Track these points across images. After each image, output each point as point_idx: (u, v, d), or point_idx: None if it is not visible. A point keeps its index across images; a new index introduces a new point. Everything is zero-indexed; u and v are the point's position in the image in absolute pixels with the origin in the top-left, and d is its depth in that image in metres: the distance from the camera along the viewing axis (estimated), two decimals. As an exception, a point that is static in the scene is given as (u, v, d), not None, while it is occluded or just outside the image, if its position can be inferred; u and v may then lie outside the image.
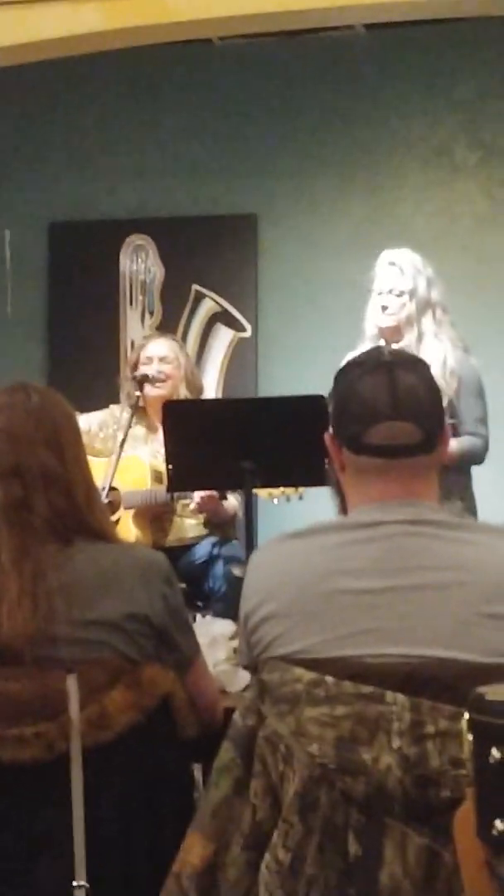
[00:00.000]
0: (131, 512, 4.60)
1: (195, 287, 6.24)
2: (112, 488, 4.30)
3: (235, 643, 2.93)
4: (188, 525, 4.78)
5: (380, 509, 2.10)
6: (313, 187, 6.16)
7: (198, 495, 4.47)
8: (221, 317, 6.23)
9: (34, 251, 6.41)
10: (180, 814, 2.24)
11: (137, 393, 4.60)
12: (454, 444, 4.34)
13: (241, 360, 6.20)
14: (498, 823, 1.49)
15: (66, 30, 4.90)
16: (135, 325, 6.31)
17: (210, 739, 2.28)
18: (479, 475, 4.73)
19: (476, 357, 4.93)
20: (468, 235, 5.96)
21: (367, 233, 6.03)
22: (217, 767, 2.07)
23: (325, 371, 4.36)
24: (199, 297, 6.24)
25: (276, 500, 4.22)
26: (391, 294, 4.60)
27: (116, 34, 4.94)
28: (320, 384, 4.28)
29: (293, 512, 4.72)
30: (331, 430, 2.19)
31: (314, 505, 4.62)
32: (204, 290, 6.23)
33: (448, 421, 4.42)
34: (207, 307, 6.24)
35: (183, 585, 2.56)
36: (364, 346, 4.72)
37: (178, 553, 4.51)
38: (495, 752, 1.50)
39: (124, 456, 4.33)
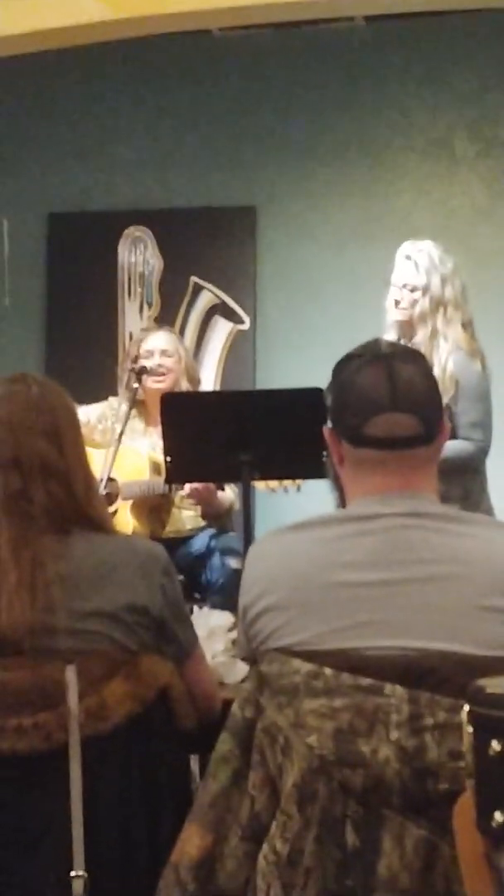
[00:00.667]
0: (129, 503, 4.60)
1: (193, 279, 6.23)
2: (110, 479, 4.30)
3: (233, 635, 2.93)
4: (186, 517, 4.78)
5: (379, 502, 2.10)
6: (312, 180, 6.15)
7: (191, 486, 4.47)
8: (220, 309, 6.22)
9: (33, 241, 6.40)
10: (178, 805, 2.25)
11: (136, 385, 4.60)
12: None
13: (240, 352, 6.20)
14: (497, 815, 1.50)
15: (68, 20, 4.89)
16: (133, 316, 6.30)
17: (208, 731, 2.29)
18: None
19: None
20: (467, 228, 5.95)
21: (366, 225, 6.03)
22: (215, 759, 2.08)
23: (324, 364, 4.38)
24: (198, 290, 6.23)
25: (274, 491, 4.23)
26: (404, 289, 4.57)
27: (118, 24, 4.93)
28: (319, 377, 4.30)
29: (291, 504, 4.73)
30: (329, 422, 2.19)
31: (312, 497, 4.64)
32: (202, 283, 6.23)
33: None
34: (206, 299, 6.23)
35: (180, 577, 2.56)
36: (388, 337, 4.70)
37: (176, 545, 4.51)
38: (495, 745, 1.50)
39: (122, 448, 4.33)
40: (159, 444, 4.21)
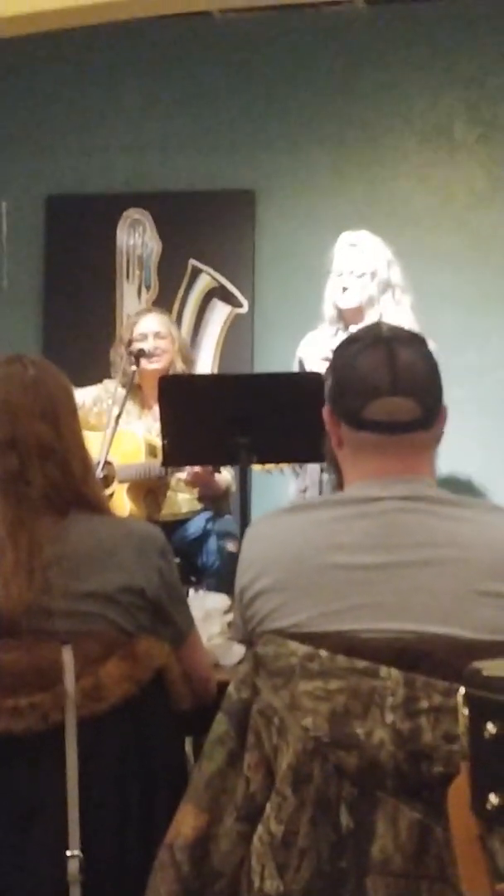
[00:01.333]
0: (125, 486, 4.61)
1: (192, 262, 6.22)
2: (107, 462, 4.30)
3: (229, 617, 2.94)
4: (182, 500, 4.79)
5: (377, 485, 2.10)
6: (312, 164, 6.14)
7: (190, 468, 4.47)
8: (218, 292, 6.21)
9: (31, 224, 6.39)
10: (173, 785, 2.25)
11: (133, 368, 4.60)
12: None
13: (238, 335, 6.19)
14: (492, 798, 1.50)
15: (67, 1, 4.87)
16: (131, 299, 6.29)
17: (203, 712, 2.29)
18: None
19: (474, 334, 4.93)
20: (466, 213, 5.94)
21: (365, 209, 6.02)
22: (211, 740, 2.08)
23: (322, 347, 4.38)
24: (196, 273, 6.22)
25: (270, 472, 4.24)
26: (352, 275, 4.60)
27: (117, 6, 4.92)
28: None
29: (288, 487, 4.74)
30: (328, 405, 2.19)
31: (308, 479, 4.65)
32: (201, 266, 6.22)
33: None
34: (204, 283, 6.22)
35: (176, 560, 2.56)
36: (323, 329, 4.75)
37: (172, 527, 4.52)
38: (490, 727, 1.51)
39: (118, 430, 4.33)
40: (155, 426, 4.22)
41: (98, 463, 3.96)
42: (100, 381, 4.89)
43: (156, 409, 3.75)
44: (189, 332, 6.05)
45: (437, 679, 1.93)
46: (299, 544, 2.10)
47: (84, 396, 4.66)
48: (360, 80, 6.11)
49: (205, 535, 4.69)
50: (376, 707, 1.93)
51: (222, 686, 2.29)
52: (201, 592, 3.22)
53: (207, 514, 4.74)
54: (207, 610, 2.97)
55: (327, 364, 3.70)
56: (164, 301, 6.07)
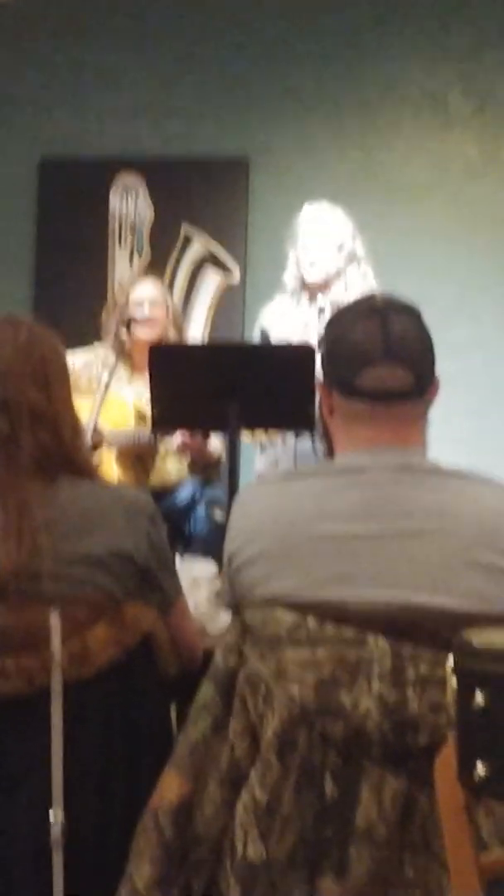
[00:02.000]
0: (114, 452, 4.60)
1: (185, 229, 6.20)
2: (95, 428, 4.29)
3: (217, 584, 2.94)
4: (171, 467, 4.78)
5: (368, 454, 2.10)
6: (306, 132, 6.12)
7: (180, 434, 4.47)
8: (210, 260, 6.19)
9: (23, 187, 6.36)
10: (158, 751, 2.25)
11: (125, 334, 4.59)
12: None
13: (229, 303, 6.17)
14: (479, 768, 1.51)
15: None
16: (123, 265, 6.27)
17: (189, 679, 2.29)
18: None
19: (467, 308, 4.92)
20: (460, 186, 5.93)
21: (359, 180, 6.00)
22: (196, 706, 2.09)
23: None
24: (189, 239, 6.20)
25: (257, 446, 4.23)
26: (318, 249, 4.59)
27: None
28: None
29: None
30: (321, 373, 2.18)
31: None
32: (194, 232, 6.19)
33: None
34: (196, 249, 6.20)
35: (165, 526, 2.56)
36: (282, 300, 4.73)
37: (161, 495, 4.51)
38: (479, 698, 1.51)
39: (108, 396, 4.32)
40: (145, 393, 4.20)
41: (87, 429, 3.95)
42: (90, 345, 4.88)
43: (146, 375, 3.73)
44: (181, 299, 6.03)
45: (424, 649, 1.93)
46: (288, 512, 2.10)
47: (74, 361, 4.64)
48: (357, 49, 6.08)
49: (193, 503, 4.69)
50: (363, 676, 1.94)
51: (208, 653, 2.30)
52: (189, 559, 3.22)
53: (196, 482, 4.73)
54: (195, 577, 2.97)
55: (298, 333, 3.69)
56: (156, 267, 6.05)
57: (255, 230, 6.16)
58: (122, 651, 2.30)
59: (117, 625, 2.31)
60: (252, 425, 3.75)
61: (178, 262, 6.21)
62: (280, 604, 2.03)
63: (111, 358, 4.48)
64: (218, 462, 4.73)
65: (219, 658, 2.08)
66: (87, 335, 4.96)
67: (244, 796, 1.99)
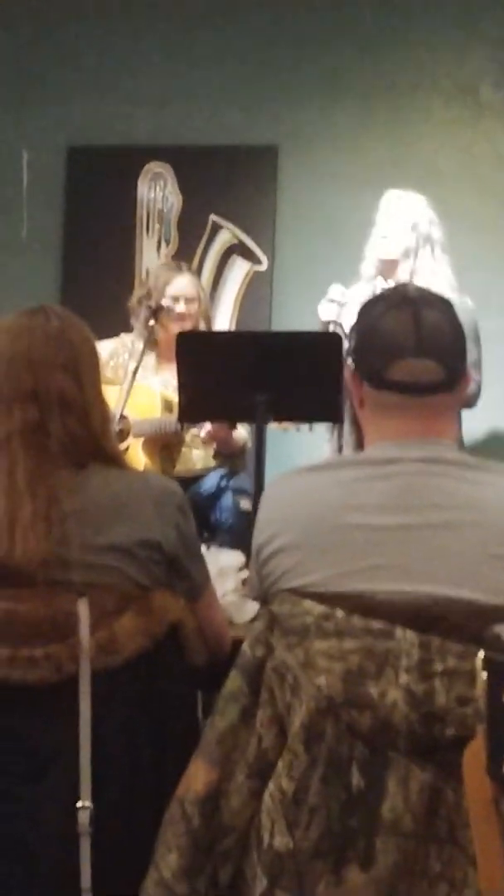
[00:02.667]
0: (140, 441, 4.61)
1: (213, 217, 6.19)
2: (122, 416, 4.29)
3: (243, 574, 2.95)
4: (197, 456, 4.79)
5: (397, 446, 2.10)
6: (336, 121, 6.10)
7: (208, 425, 4.47)
8: (238, 248, 6.19)
9: (52, 174, 6.36)
10: (185, 740, 2.25)
11: (153, 323, 4.59)
12: None
13: (257, 292, 6.17)
14: (508, 761, 1.51)
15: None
16: (150, 253, 6.27)
17: (217, 669, 2.29)
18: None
19: (498, 297, 4.89)
20: (490, 174, 5.90)
21: (388, 168, 5.98)
22: (224, 696, 2.09)
23: (342, 307, 4.37)
24: (217, 228, 6.20)
25: (286, 430, 4.23)
26: (391, 226, 4.61)
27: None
28: (336, 320, 4.30)
29: (302, 445, 4.73)
30: (351, 364, 2.18)
31: (322, 438, 4.64)
32: (221, 221, 6.19)
33: None
34: (224, 238, 6.20)
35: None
36: (359, 287, 4.72)
37: (186, 484, 4.50)
38: (509, 691, 1.51)
39: (135, 385, 4.32)
40: (172, 381, 4.20)
41: (114, 417, 3.96)
42: (117, 334, 4.88)
43: (174, 365, 3.74)
44: (208, 288, 6.02)
45: (452, 642, 1.93)
46: (318, 504, 2.10)
47: (101, 349, 4.64)
48: (388, 36, 6.05)
49: (219, 492, 4.69)
50: (390, 668, 1.94)
51: (236, 643, 2.30)
52: (215, 549, 3.22)
53: (222, 471, 4.73)
54: (221, 567, 2.98)
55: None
56: (184, 256, 6.04)
57: (283, 218, 6.15)
58: (149, 640, 2.30)
59: (145, 614, 2.31)
60: (279, 416, 3.75)
61: (205, 250, 6.20)
62: (308, 595, 2.03)
63: (138, 346, 4.49)
64: (243, 452, 4.73)
65: (247, 648, 2.09)
66: (114, 323, 4.96)
67: (271, 786, 1.99)
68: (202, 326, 4.80)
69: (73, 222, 6.36)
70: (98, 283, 6.15)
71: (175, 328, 4.63)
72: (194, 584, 2.49)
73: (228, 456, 4.72)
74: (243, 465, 4.77)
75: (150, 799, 2.25)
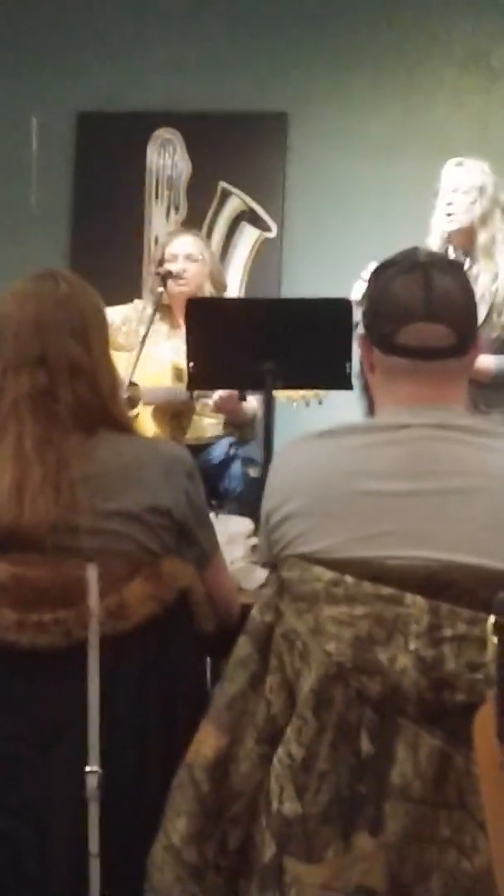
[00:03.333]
0: (150, 408, 4.60)
1: (222, 184, 6.17)
2: (132, 383, 4.28)
3: (252, 541, 2.94)
4: (206, 424, 4.78)
5: (408, 412, 2.09)
6: (347, 87, 6.07)
7: (217, 394, 4.46)
8: (247, 216, 6.17)
9: (61, 140, 6.34)
10: (194, 706, 2.26)
11: (161, 289, 4.57)
12: (492, 361, 4.25)
13: (266, 260, 6.16)
14: (518, 726, 1.51)
15: None
16: (160, 220, 6.25)
17: (226, 635, 2.29)
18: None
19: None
20: (502, 141, 5.87)
21: (399, 136, 5.96)
22: (233, 662, 2.09)
23: (350, 274, 4.36)
24: (226, 195, 6.18)
25: (295, 404, 4.22)
26: (457, 192, 4.46)
27: None
28: (345, 287, 4.27)
29: (312, 416, 4.72)
30: (362, 329, 2.17)
31: (334, 410, 4.63)
32: (231, 188, 6.17)
33: (501, 336, 4.34)
34: (233, 205, 6.18)
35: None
36: None
37: (195, 451, 4.49)
38: (520, 656, 1.50)
39: (145, 352, 4.31)
40: (182, 348, 4.19)
41: (123, 384, 3.95)
42: (127, 300, 4.87)
43: (184, 330, 3.73)
44: (217, 255, 6.00)
45: (462, 607, 1.93)
46: (328, 470, 2.09)
47: (113, 315, 4.62)
48: (398, 4, 6.02)
49: (228, 460, 4.69)
50: (400, 634, 1.93)
51: (245, 609, 2.30)
52: (223, 516, 3.22)
53: (231, 439, 4.73)
54: (231, 534, 2.98)
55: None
56: (193, 223, 6.03)
57: (292, 186, 6.13)
58: (159, 606, 2.30)
59: (154, 580, 2.31)
60: (288, 383, 3.74)
61: (215, 217, 6.19)
62: (318, 561, 2.03)
63: (148, 312, 4.47)
64: (252, 421, 4.73)
65: (256, 614, 2.09)
66: (123, 289, 4.96)
67: (280, 752, 2.00)
68: (208, 290, 4.76)
69: (82, 188, 6.34)
70: (107, 250, 6.14)
71: (175, 287, 4.60)
72: (203, 550, 2.48)
73: (237, 425, 4.72)
74: (253, 434, 4.76)
75: (159, 764, 2.26)
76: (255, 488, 3.50)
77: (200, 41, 6.20)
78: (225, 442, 4.73)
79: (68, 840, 2.26)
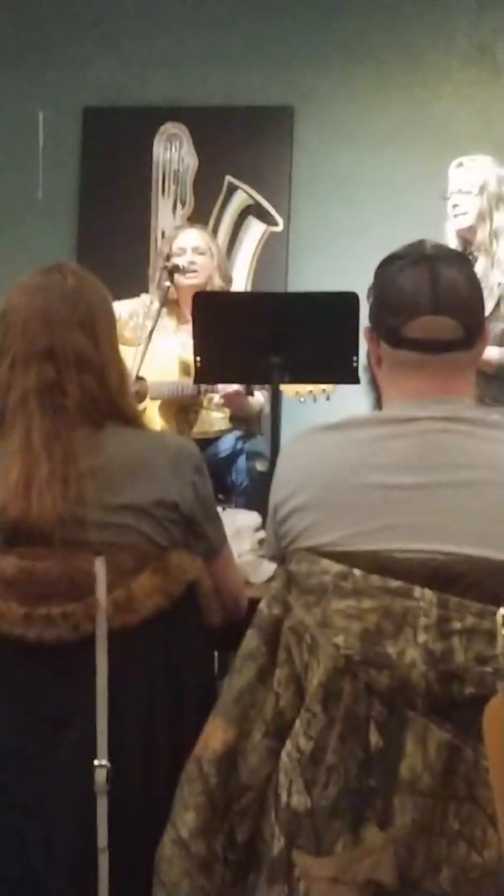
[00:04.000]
0: (157, 403, 4.60)
1: (228, 178, 6.17)
2: (139, 378, 4.28)
3: (260, 535, 2.94)
4: (213, 418, 4.78)
5: (416, 405, 2.09)
6: (352, 81, 6.07)
7: (223, 389, 4.46)
8: (254, 210, 6.17)
9: (67, 135, 6.34)
10: (202, 699, 2.26)
11: (168, 283, 4.57)
12: (496, 352, 4.28)
13: (272, 254, 6.15)
14: (528, 718, 1.50)
15: None
16: (166, 214, 6.25)
17: (234, 628, 2.29)
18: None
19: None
20: (507, 135, 5.87)
21: (404, 129, 5.96)
22: (241, 655, 2.09)
23: (357, 268, 4.32)
24: (232, 189, 6.17)
25: (303, 399, 4.21)
26: (460, 193, 4.53)
27: None
28: (351, 282, 4.25)
29: (319, 412, 4.72)
30: (369, 322, 2.16)
31: (341, 405, 4.62)
32: (237, 182, 6.16)
33: None
34: (240, 199, 6.17)
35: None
36: None
37: (202, 446, 4.50)
38: (530, 648, 1.50)
39: (152, 346, 4.31)
40: (189, 343, 4.19)
41: (131, 378, 3.95)
42: (133, 294, 4.87)
43: (191, 325, 3.73)
44: (224, 250, 6.00)
45: (470, 600, 1.92)
46: (336, 462, 2.09)
47: (120, 309, 4.63)
48: (403, -3, 6.02)
49: (235, 454, 4.69)
50: (409, 627, 1.93)
51: (253, 602, 2.30)
52: (231, 510, 3.22)
53: (238, 433, 4.73)
54: (238, 527, 2.97)
55: None
56: (199, 217, 6.03)
57: (299, 180, 6.13)
58: (167, 599, 2.30)
59: (162, 573, 2.31)
60: (295, 378, 3.74)
61: (221, 211, 6.18)
62: (326, 554, 2.03)
63: (155, 307, 4.48)
64: (258, 415, 4.72)
65: (264, 607, 2.09)
66: (130, 284, 4.95)
67: (289, 745, 2.00)
68: (217, 283, 4.76)
69: (88, 183, 6.34)
70: (114, 244, 6.14)
71: (184, 280, 4.60)
72: (211, 544, 2.48)
73: (244, 419, 4.71)
74: (259, 428, 4.76)
75: (167, 758, 2.26)
76: (262, 482, 3.50)
77: (206, 36, 6.20)
78: (232, 436, 4.73)
79: (76, 834, 2.25)
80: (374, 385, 2.21)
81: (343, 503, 2.06)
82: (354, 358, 3.47)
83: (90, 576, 2.25)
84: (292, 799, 1.98)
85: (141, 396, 4.50)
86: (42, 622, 2.23)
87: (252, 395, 4.56)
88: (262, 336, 3.58)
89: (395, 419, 2.09)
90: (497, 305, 4.39)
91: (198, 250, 4.74)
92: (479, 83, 5.95)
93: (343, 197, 6.04)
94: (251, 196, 6.15)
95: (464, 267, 2.14)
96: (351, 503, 2.05)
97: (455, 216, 4.54)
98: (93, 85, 6.29)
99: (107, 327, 2.42)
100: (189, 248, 4.73)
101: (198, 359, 3.74)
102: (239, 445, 4.71)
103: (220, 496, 4.46)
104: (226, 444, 4.71)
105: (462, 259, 2.17)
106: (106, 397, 2.37)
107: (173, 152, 6.26)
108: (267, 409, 4.53)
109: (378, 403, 2.20)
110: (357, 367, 3.47)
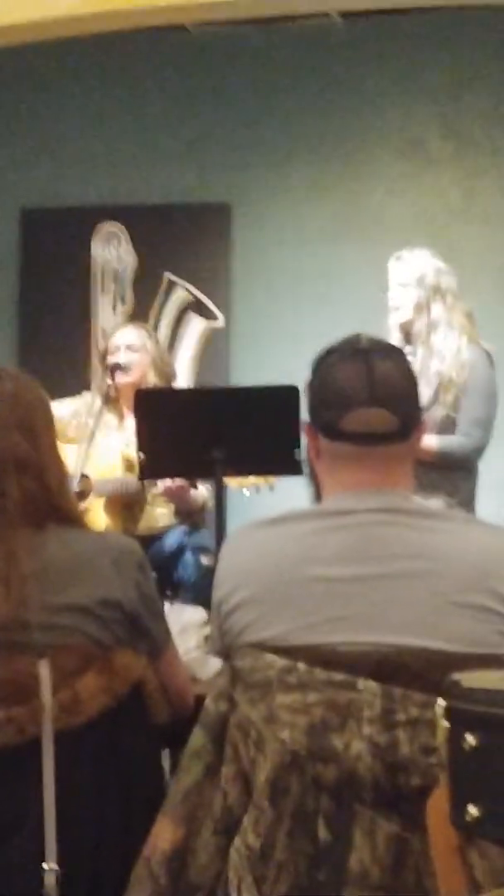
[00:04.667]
0: (102, 500, 4.60)
1: (168, 276, 6.22)
2: (83, 476, 4.29)
3: (206, 631, 2.93)
4: (158, 514, 4.77)
5: (354, 497, 2.10)
6: (287, 178, 6.16)
7: (165, 483, 4.47)
8: (193, 306, 6.22)
9: (5, 236, 6.39)
10: (151, 799, 2.24)
11: (109, 381, 4.59)
12: (434, 441, 4.33)
13: (214, 349, 6.20)
14: (471, 809, 1.50)
15: (41, 13, 4.86)
16: (106, 312, 6.29)
17: (180, 726, 2.28)
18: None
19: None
20: (441, 228, 5.96)
21: (340, 224, 6.04)
22: (188, 753, 2.08)
23: (297, 362, 4.37)
24: (172, 286, 6.23)
25: (247, 492, 4.22)
26: (399, 285, 4.56)
27: (91, 18, 4.90)
28: (292, 375, 4.30)
29: (263, 503, 4.73)
30: (307, 416, 2.19)
31: (285, 497, 4.64)
32: (176, 280, 6.22)
33: (450, 414, 4.39)
34: (180, 296, 6.23)
35: (153, 574, 2.55)
36: None
37: (148, 541, 4.50)
38: (470, 739, 1.50)
39: (96, 443, 4.32)
40: (132, 439, 4.21)
41: (74, 476, 3.95)
42: (75, 393, 4.88)
43: (133, 421, 3.74)
44: (165, 346, 6.04)
45: (414, 691, 1.93)
46: (276, 557, 2.10)
47: (62, 409, 4.64)
48: (336, 93, 6.13)
49: (181, 549, 4.68)
50: (354, 719, 1.93)
51: (199, 699, 2.29)
52: (178, 605, 3.21)
53: (184, 529, 4.72)
54: (184, 623, 2.97)
55: None
56: (140, 315, 6.07)
57: (237, 275, 6.19)
58: (112, 699, 2.28)
59: (107, 673, 2.30)
60: (238, 471, 3.76)
61: (161, 308, 6.23)
62: (270, 648, 2.03)
63: (97, 405, 4.49)
64: (202, 509, 4.73)
65: (209, 704, 2.08)
66: (72, 383, 4.97)
67: (237, 842, 1.98)
68: (153, 379, 4.77)
69: (28, 283, 6.37)
70: (55, 343, 6.16)
71: (119, 378, 4.61)
72: (155, 642, 2.47)
73: (188, 514, 4.72)
74: (203, 522, 4.76)
75: (116, 859, 2.23)
76: (209, 576, 3.50)
77: (141, 135, 6.29)
78: (178, 531, 4.73)
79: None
80: (314, 477, 2.23)
81: (285, 597, 2.06)
82: (296, 450, 3.49)
83: (34, 679, 2.24)
84: (243, 896, 1.96)
85: (86, 494, 4.49)
86: (-14, 726, 2.21)
87: (196, 487, 4.57)
88: (203, 430, 3.60)
89: (334, 512, 2.11)
90: (436, 394, 4.43)
91: (132, 348, 4.75)
92: (411, 176, 6.06)
93: (282, 291, 6.11)
94: (190, 292, 6.20)
95: (398, 360, 2.17)
96: (293, 597, 2.06)
97: (395, 309, 4.58)
98: (30, 186, 6.34)
99: (45, 428, 2.43)
100: (123, 346, 4.75)
101: (141, 455, 3.75)
102: (185, 540, 4.71)
103: (168, 592, 4.45)
104: (172, 539, 4.71)
105: (396, 352, 2.20)
106: (46, 498, 2.38)
107: (112, 251, 6.31)
108: (211, 503, 4.53)
109: (318, 496, 2.22)
110: (299, 459, 3.49)
